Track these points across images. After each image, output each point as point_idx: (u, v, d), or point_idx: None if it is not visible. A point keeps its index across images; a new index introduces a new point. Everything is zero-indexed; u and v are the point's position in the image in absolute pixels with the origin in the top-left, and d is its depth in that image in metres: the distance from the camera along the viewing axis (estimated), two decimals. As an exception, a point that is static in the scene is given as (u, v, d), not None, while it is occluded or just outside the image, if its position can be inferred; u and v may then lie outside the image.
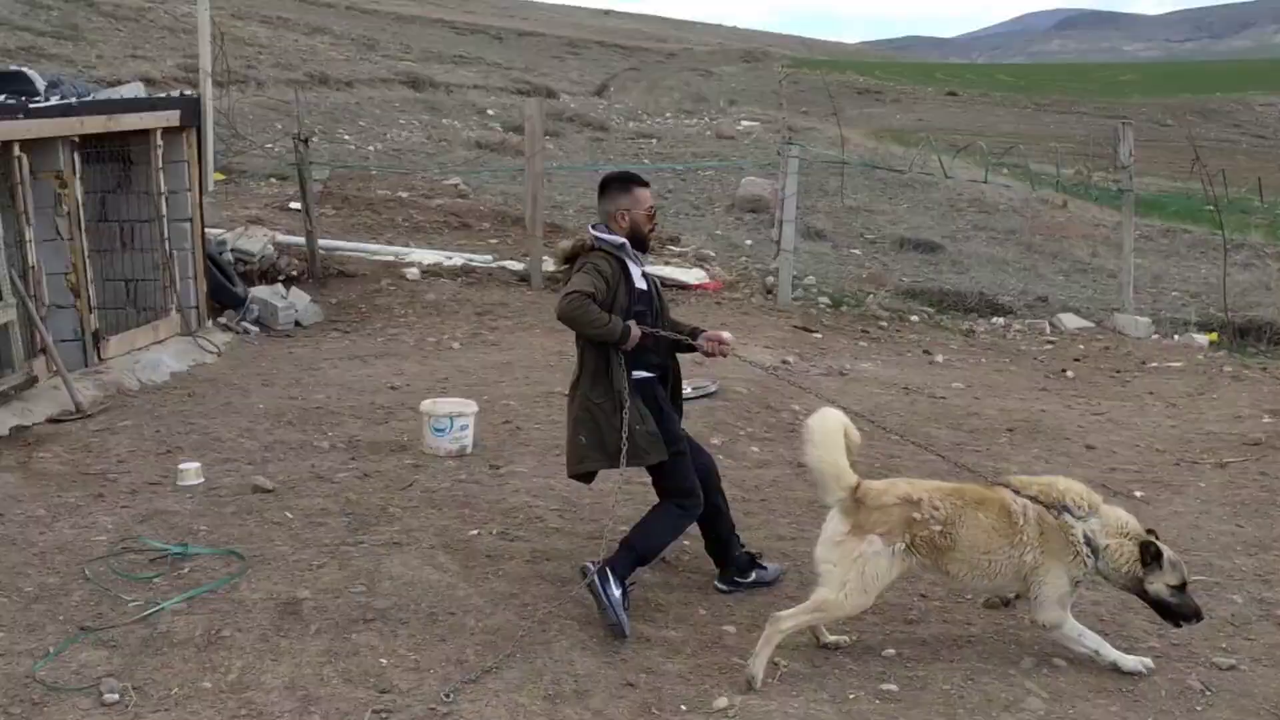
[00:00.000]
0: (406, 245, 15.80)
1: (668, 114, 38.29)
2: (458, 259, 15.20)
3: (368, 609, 5.82)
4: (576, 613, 5.93)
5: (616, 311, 6.23)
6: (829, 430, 5.68)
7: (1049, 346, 13.79)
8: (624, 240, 6.38)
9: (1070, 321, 14.86)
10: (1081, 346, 13.79)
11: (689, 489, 6.36)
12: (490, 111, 32.49)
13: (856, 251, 18.57)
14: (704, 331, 6.54)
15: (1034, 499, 5.72)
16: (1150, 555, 5.71)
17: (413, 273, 14.37)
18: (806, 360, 11.77)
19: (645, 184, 6.56)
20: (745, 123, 33.92)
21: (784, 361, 11.40)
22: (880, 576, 5.56)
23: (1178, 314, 16.53)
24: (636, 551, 6.21)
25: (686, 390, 9.61)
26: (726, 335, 6.61)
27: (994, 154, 20.16)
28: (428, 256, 15.14)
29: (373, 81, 34.69)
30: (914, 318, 14.64)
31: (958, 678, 5.53)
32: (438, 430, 8.37)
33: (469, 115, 31.49)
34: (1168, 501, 8.22)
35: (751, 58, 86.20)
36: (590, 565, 6.00)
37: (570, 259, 6.41)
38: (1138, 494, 8.32)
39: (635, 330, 6.21)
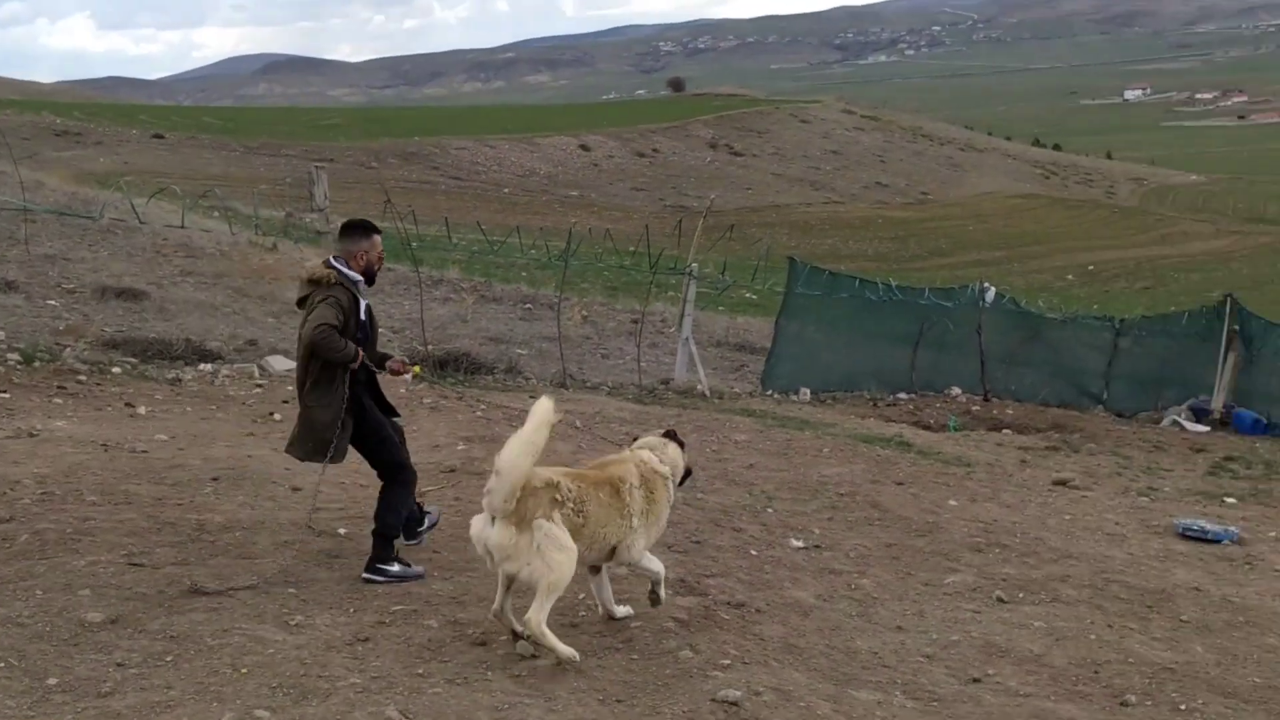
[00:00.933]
0: None
1: None
2: None
3: None
4: None
5: (348, 338, 7.60)
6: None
7: (258, 390, 13.73)
8: (360, 278, 7.79)
9: (279, 364, 14.89)
10: (290, 389, 13.82)
11: (400, 462, 7.89)
12: None
13: (54, 303, 17.48)
14: (390, 358, 8.28)
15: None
16: (675, 436, 7.24)
17: None
18: (-7, 424, 10.83)
19: (380, 232, 8.01)
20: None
21: (-35, 427, 10.41)
22: (561, 533, 6.24)
23: (381, 349, 17.13)
24: (386, 534, 7.65)
25: None
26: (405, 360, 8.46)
27: (194, 196, 19.81)
28: None
29: None
30: (116, 369, 13.98)
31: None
32: None
33: None
34: (368, 538, 8.39)
35: (-73, 97, 79.14)
36: (365, 576, 7.50)
37: (314, 283, 7.66)
38: (342, 531, 8.44)
39: (391, 362, 8.12)
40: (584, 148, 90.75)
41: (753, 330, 25.19)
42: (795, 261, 20.73)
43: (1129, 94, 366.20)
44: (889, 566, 9.10)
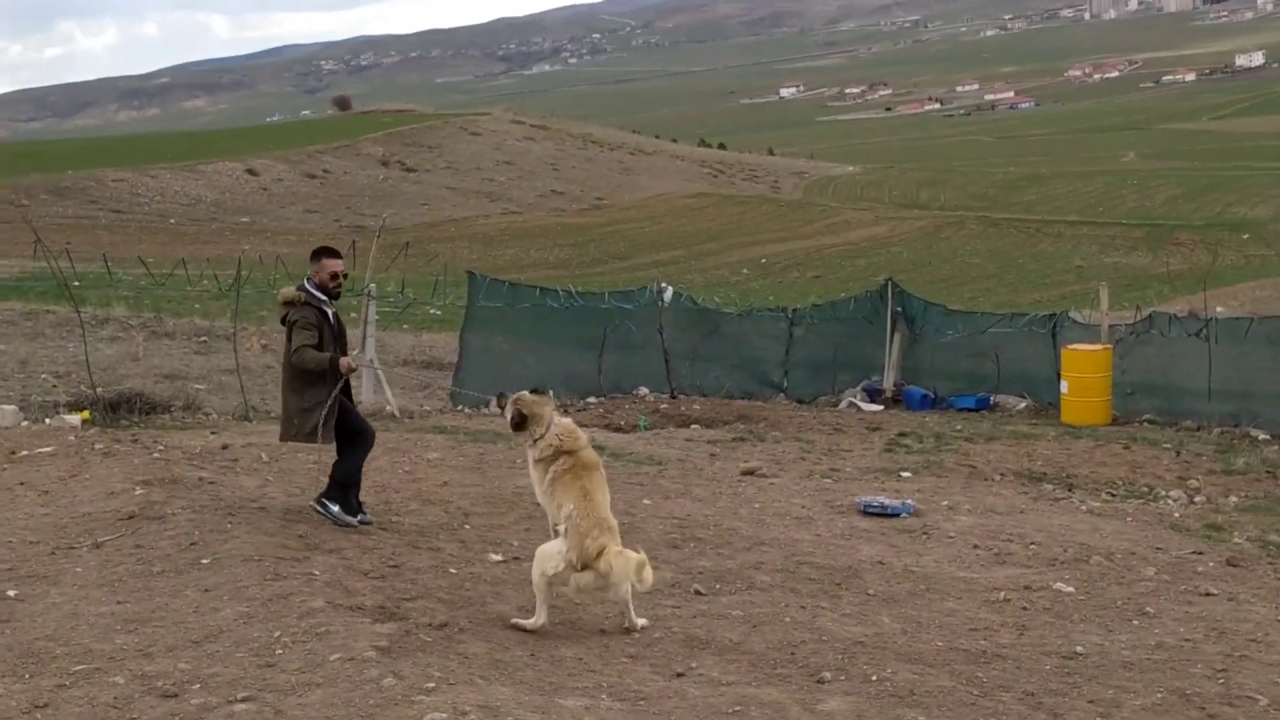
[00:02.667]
0: None
1: None
2: None
3: None
4: None
5: (325, 346, 9.36)
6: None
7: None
8: (325, 297, 9.54)
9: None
10: (7, 444, 12.92)
11: (361, 428, 9.78)
12: None
13: None
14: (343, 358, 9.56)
15: None
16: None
17: None
18: None
19: (333, 255, 9.70)
20: None
21: None
22: None
23: (48, 396, 16.24)
24: (343, 480, 9.61)
25: None
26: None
27: None
28: None
29: None
30: None
31: None
32: None
33: None
34: (44, 594, 7.91)
35: None
36: (311, 505, 9.65)
37: (288, 304, 9.46)
38: (12, 593, 7.90)
39: (342, 360, 9.35)
40: (251, 172, 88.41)
41: (439, 346, 24.99)
42: (474, 275, 20.71)
43: (784, 92, 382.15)
44: (589, 571, 9.14)
